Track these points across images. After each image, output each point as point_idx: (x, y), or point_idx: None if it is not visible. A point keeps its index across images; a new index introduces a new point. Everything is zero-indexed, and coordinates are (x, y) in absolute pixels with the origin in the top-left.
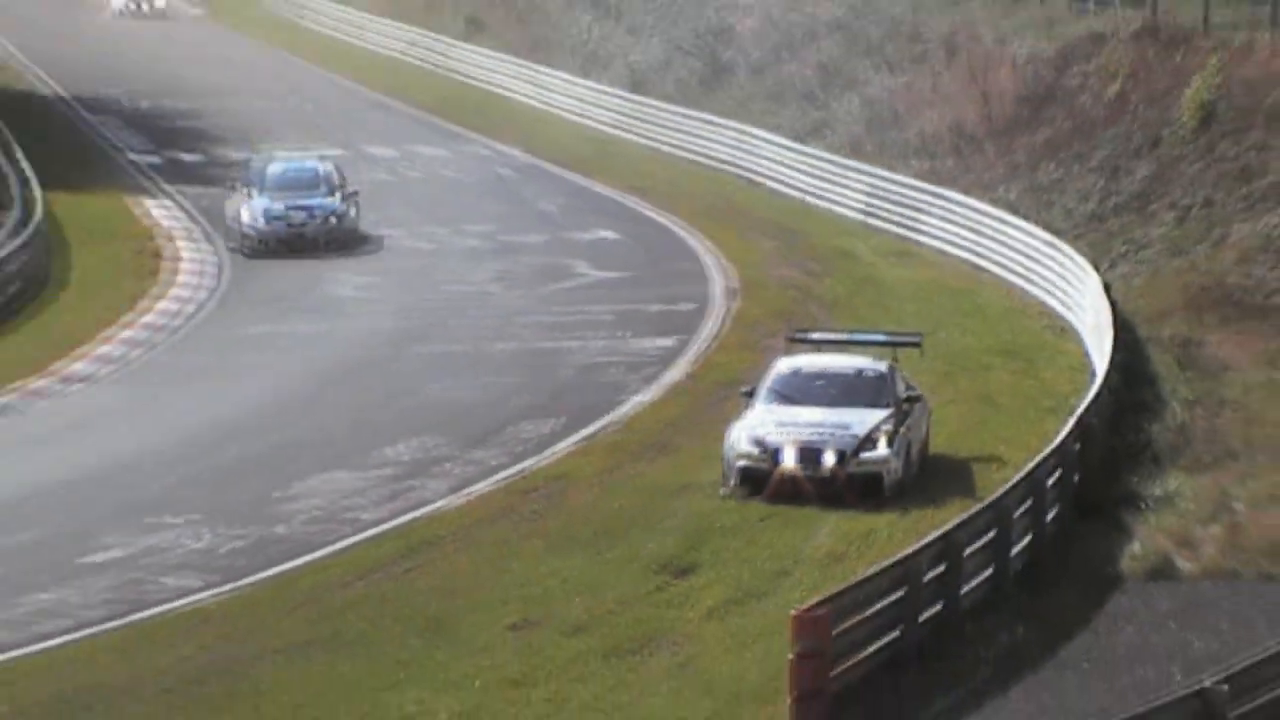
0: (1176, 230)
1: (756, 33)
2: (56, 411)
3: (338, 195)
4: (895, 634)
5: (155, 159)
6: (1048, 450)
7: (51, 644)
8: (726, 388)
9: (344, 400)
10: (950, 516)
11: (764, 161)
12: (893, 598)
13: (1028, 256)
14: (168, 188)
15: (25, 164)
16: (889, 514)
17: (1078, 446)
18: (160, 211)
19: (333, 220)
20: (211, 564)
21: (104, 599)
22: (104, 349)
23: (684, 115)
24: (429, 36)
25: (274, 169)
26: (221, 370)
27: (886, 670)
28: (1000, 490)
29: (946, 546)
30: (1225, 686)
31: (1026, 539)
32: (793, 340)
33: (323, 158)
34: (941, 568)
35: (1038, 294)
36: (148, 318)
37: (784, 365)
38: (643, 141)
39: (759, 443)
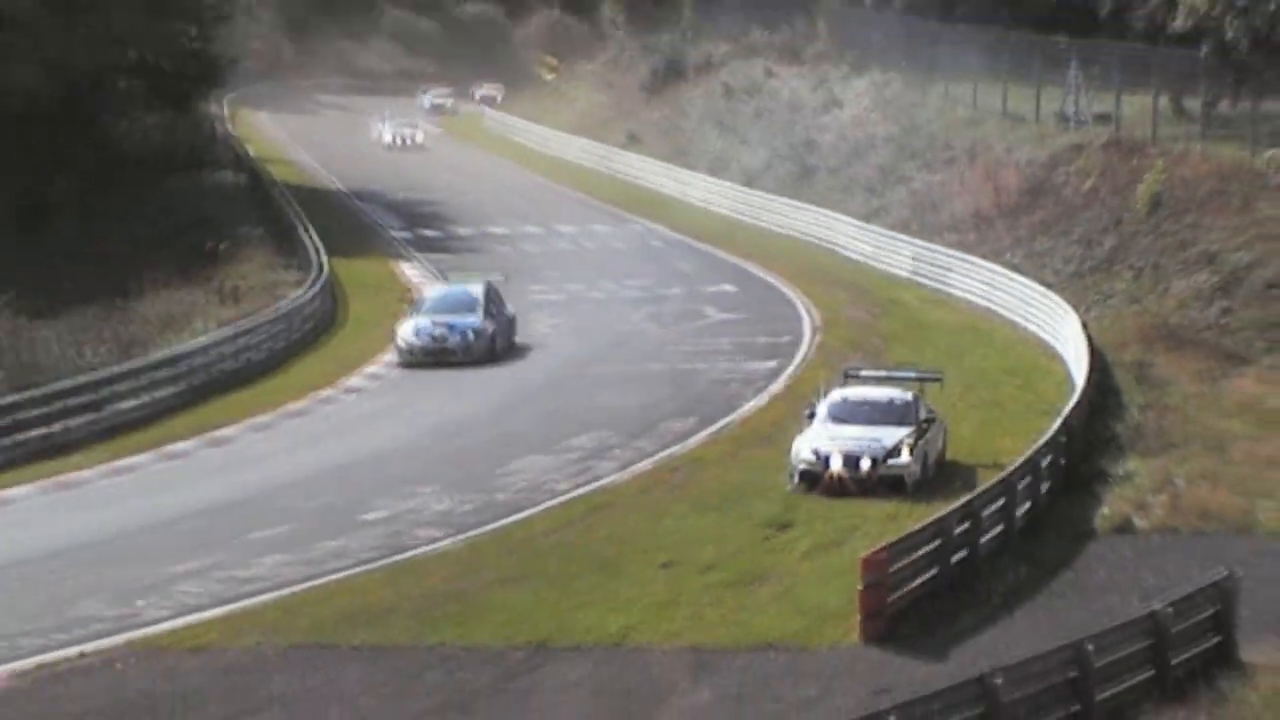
0: (1133, 285)
1: (833, 144)
2: (337, 413)
3: (483, 315)
4: (934, 572)
5: (407, 234)
6: (1041, 441)
7: (338, 576)
8: (813, 397)
9: (542, 405)
10: (969, 489)
11: (839, 235)
12: (932, 546)
13: (1027, 303)
14: (416, 255)
15: (316, 238)
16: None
17: (1063, 439)
18: (411, 271)
19: (470, 336)
20: (450, 521)
21: (375, 545)
22: (371, 369)
23: (782, 202)
24: (601, 146)
25: (434, 293)
26: (454, 384)
27: (927, 598)
28: (1007, 470)
29: (969, 510)
30: (1169, 610)
31: (1027, 504)
32: (848, 376)
33: (486, 283)
34: (966, 525)
35: (1034, 330)
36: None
37: (836, 395)
38: (753, 221)
39: (814, 451)
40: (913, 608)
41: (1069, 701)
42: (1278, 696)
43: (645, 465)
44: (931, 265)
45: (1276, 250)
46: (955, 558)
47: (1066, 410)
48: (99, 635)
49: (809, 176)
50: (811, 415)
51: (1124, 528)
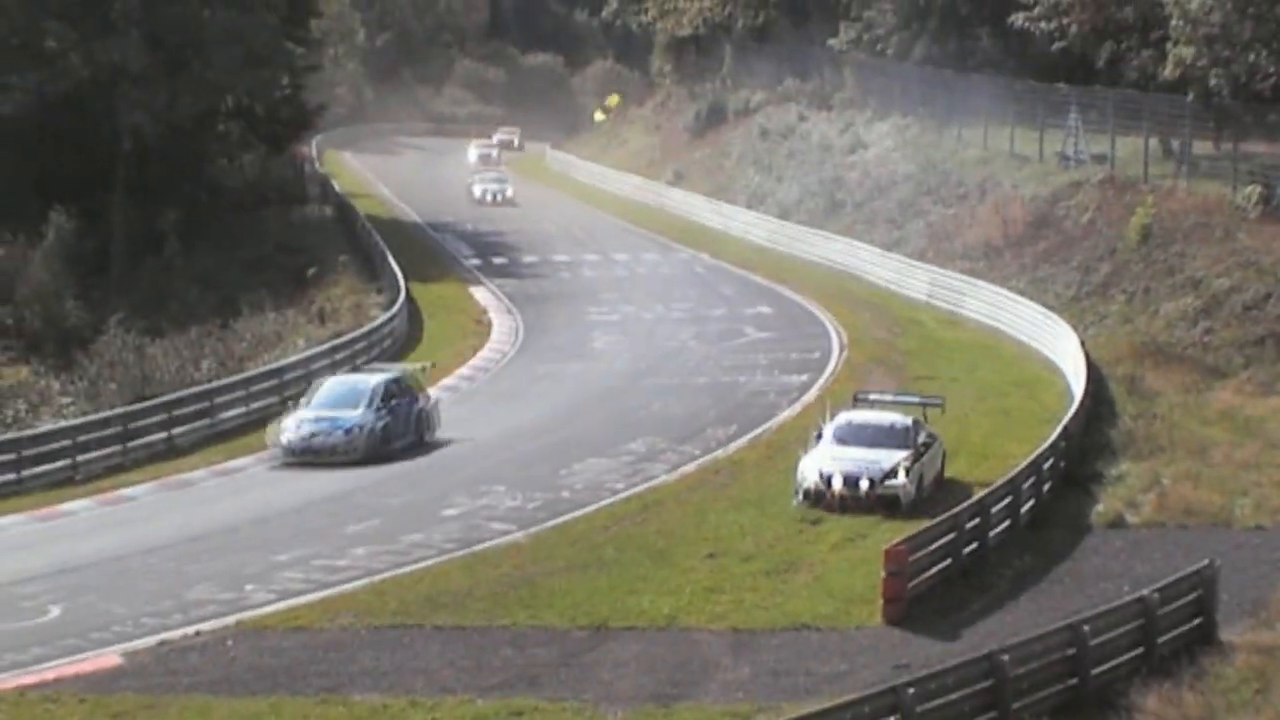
0: (1126, 307)
1: (859, 181)
2: None
3: (371, 410)
4: (948, 562)
5: (478, 261)
6: (1044, 446)
7: (421, 565)
8: (841, 407)
9: (599, 413)
10: (981, 486)
11: (864, 263)
12: (946, 539)
13: (1031, 324)
14: (485, 280)
15: (395, 264)
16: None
17: (1063, 443)
18: (482, 294)
19: (352, 432)
20: (520, 516)
21: (454, 537)
22: (448, 381)
23: (813, 233)
24: (650, 183)
25: (322, 385)
26: (521, 394)
27: (942, 584)
28: (1013, 471)
29: (979, 506)
30: (1157, 595)
31: (1031, 501)
32: (857, 400)
33: (391, 376)
34: (977, 520)
35: (1038, 348)
36: (474, 361)
37: (842, 418)
38: (786, 250)
39: (819, 471)
40: (929, 593)
41: (1067, 677)
42: (1253, 672)
43: (692, 467)
44: (946, 290)
45: (1254, 276)
46: (967, 549)
47: (1066, 418)
48: (211, 616)
49: (837, 210)
50: (819, 437)
51: (1117, 523)
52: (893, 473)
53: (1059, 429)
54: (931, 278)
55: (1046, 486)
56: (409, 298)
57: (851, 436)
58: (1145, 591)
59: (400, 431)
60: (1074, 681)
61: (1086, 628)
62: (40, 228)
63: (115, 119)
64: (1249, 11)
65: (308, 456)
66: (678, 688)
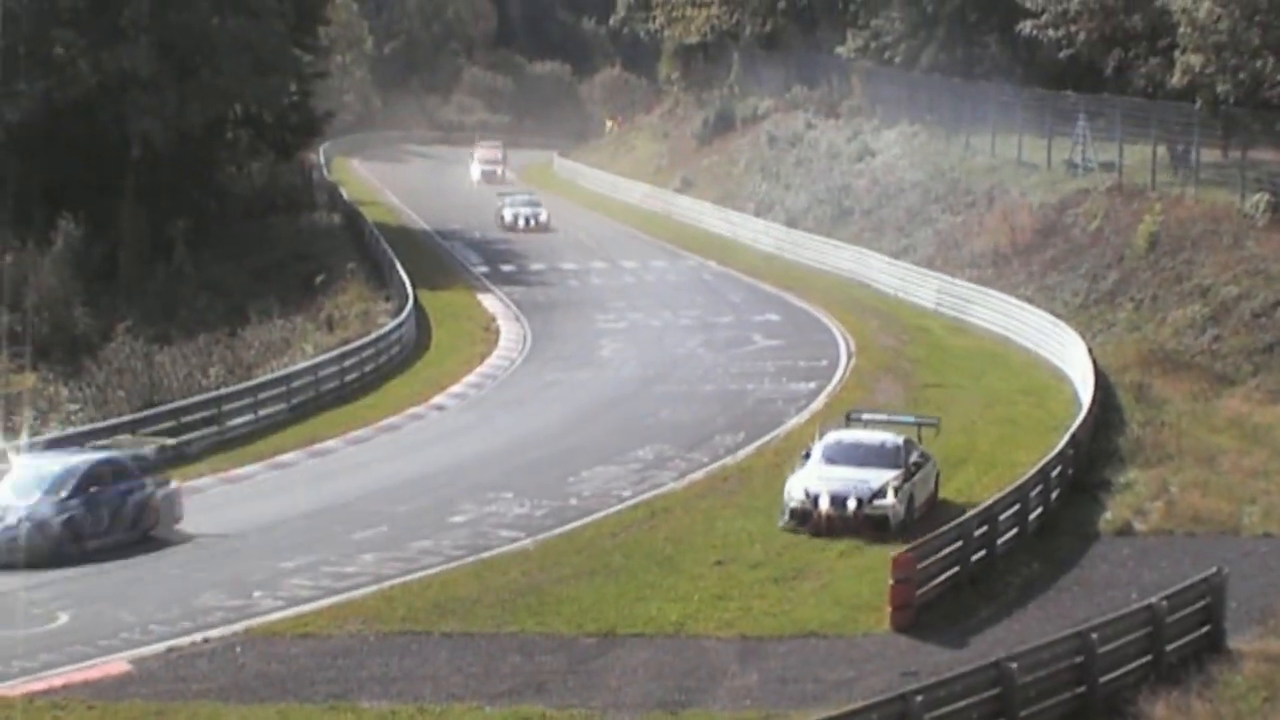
0: (1134, 314)
1: (867, 189)
2: (424, 429)
3: (57, 498)
4: (955, 569)
5: (485, 269)
6: (1052, 454)
7: (429, 572)
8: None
9: (607, 421)
10: (991, 492)
11: (871, 271)
12: (954, 546)
13: (1039, 331)
14: (493, 287)
15: (404, 272)
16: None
17: (1071, 451)
18: (490, 302)
19: (19, 527)
20: (528, 523)
21: (461, 544)
22: (455, 389)
23: (820, 241)
24: (658, 190)
25: (14, 467)
26: (529, 401)
27: (950, 592)
28: (1021, 479)
29: (988, 514)
30: (1165, 603)
31: (1039, 509)
32: (850, 419)
33: (107, 459)
34: (985, 528)
35: (1046, 355)
36: (481, 369)
37: (831, 436)
38: (794, 258)
39: (805, 491)
40: (937, 601)
41: (1075, 684)
42: (1261, 680)
43: (700, 474)
44: (954, 297)
45: (1262, 284)
46: (975, 557)
47: (1074, 426)
48: (220, 623)
49: (845, 218)
50: (807, 456)
51: (1125, 530)
52: (881, 493)
53: (1067, 436)
54: (939, 285)
55: (1054, 494)
56: (417, 305)
57: (841, 456)
58: (1153, 599)
59: (100, 527)
60: (1082, 689)
61: (1094, 635)
62: (49, 234)
63: (124, 126)
64: (1257, 19)
65: None
66: (686, 695)
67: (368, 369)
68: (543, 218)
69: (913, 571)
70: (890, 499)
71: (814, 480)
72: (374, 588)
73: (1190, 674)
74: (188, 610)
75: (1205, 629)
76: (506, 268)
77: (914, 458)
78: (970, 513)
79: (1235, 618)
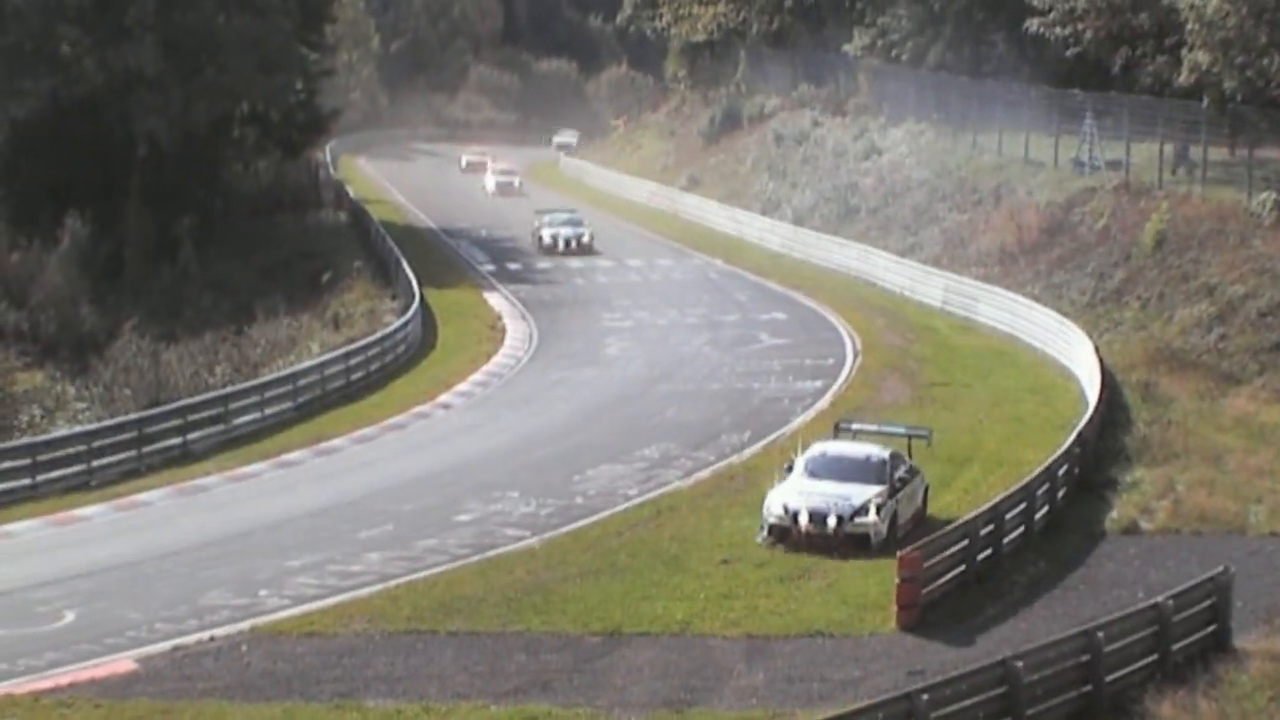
0: (1140, 313)
1: (873, 187)
2: (430, 427)
3: None
4: (962, 568)
5: (491, 267)
6: (1058, 452)
7: (434, 570)
8: (856, 412)
9: (613, 419)
10: (1000, 488)
11: (878, 269)
12: (960, 545)
13: (1046, 330)
14: (500, 285)
15: (410, 270)
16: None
17: (1078, 450)
18: (496, 300)
19: None
20: (534, 522)
21: (467, 542)
22: (461, 387)
23: (827, 239)
24: (664, 188)
25: None
26: (535, 400)
27: (956, 590)
28: (1027, 477)
29: (994, 513)
30: (1171, 602)
31: (1045, 508)
32: (839, 430)
33: None
34: (990, 527)
35: (1053, 354)
36: (487, 367)
37: (815, 449)
38: (800, 256)
39: (784, 506)
40: (943, 599)
41: (1081, 683)
42: (1267, 679)
43: (706, 473)
44: (960, 296)
45: (1269, 283)
46: (981, 555)
47: (1081, 424)
48: (225, 621)
49: (851, 216)
50: (789, 469)
51: (1131, 529)
52: (863, 509)
53: (1073, 435)
54: (946, 284)
55: (1061, 493)
56: (423, 303)
57: (823, 469)
58: (1159, 598)
59: None
60: (1088, 688)
61: (1101, 634)
62: (55, 233)
63: (130, 124)
64: (1265, 16)
65: None
66: (691, 694)
67: (374, 367)
68: (586, 238)
69: (919, 570)
70: (872, 516)
71: (793, 495)
72: (380, 586)
73: (1196, 673)
74: (194, 609)
75: (1211, 628)
76: (513, 266)
77: (900, 472)
78: (976, 511)
79: (1241, 617)
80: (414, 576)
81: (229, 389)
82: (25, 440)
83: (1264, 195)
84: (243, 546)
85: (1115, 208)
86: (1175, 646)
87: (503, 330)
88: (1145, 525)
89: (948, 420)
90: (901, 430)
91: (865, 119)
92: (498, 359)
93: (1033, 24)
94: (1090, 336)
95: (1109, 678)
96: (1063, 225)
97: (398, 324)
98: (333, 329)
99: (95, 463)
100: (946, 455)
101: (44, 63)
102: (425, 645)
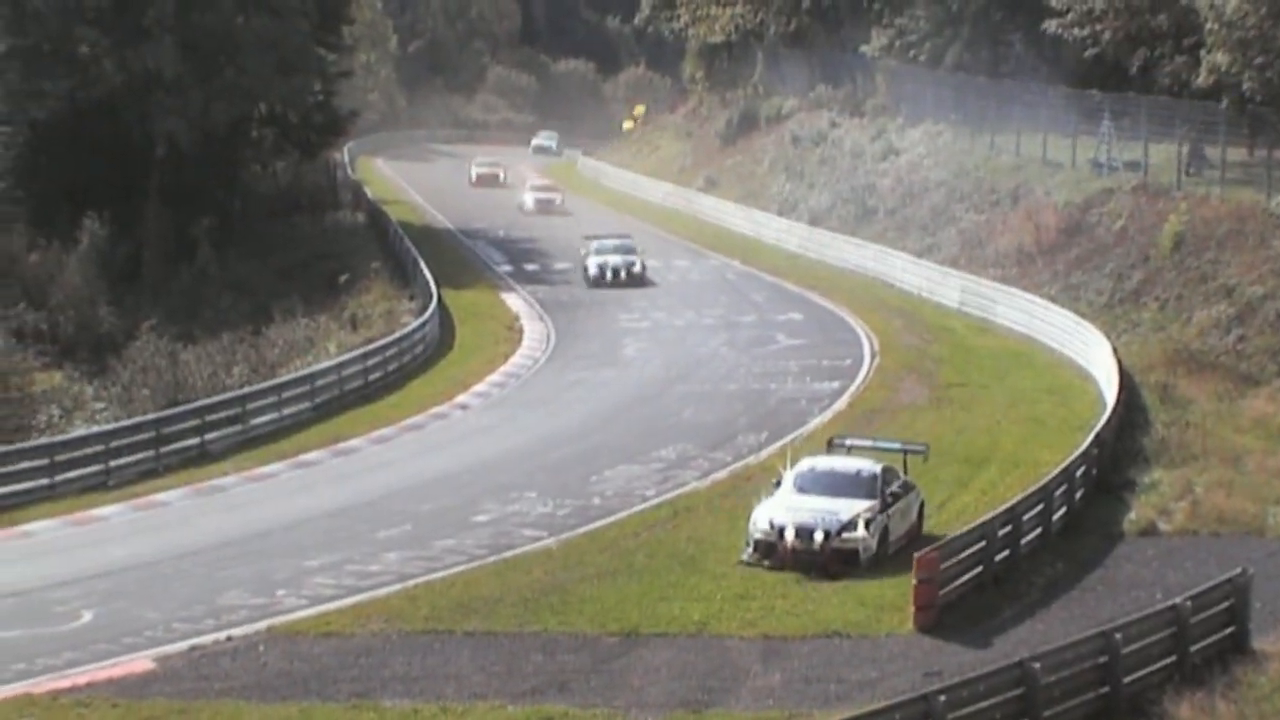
0: (1159, 315)
1: (891, 188)
2: (449, 427)
3: None
4: (979, 569)
5: (509, 268)
6: (1076, 453)
7: (452, 571)
8: (873, 413)
9: (630, 420)
10: (1017, 489)
11: (895, 270)
12: (977, 546)
13: (1064, 331)
14: (517, 286)
15: (427, 271)
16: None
17: (1095, 451)
18: (514, 301)
19: None
20: (551, 522)
21: (484, 543)
22: (479, 388)
23: (844, 240)
24: (681, 189)
25: None
26: (552, 401)
27: (974, 592)
28: (1045, 479)
29: (1011, 514)
30: (1189, 604)
31: (1063, 509)
32: (832, 445)
33: None
34: (1008, 528)
35: (1070, 355)
36: (505, 368)
37: (805, 464)
38: (818, 257)
39: (770, 522)
40: (960, 601)
41: (1099, 685)
42: None
43: (723, 474)
44: (978, 297)
45: None
46: (998, 557)
47: (1099, 425)
48: (243, 621)
49: (868, 217)
50: (778, 484)
51: (1149, 530)
52: (851, 525)
53: (1091, 436)
54: (963, 284)
55: (1079, 494)
56: (440, 304)
57: (813, 484)
58: (1177, 600)
59: None
60: (1105, 690)
61: (1118, 636)
62: (74, 234)
63: (149, 125)
64: None
65: None
66: (708, 695)
67: (391, 368)
68: (637, 268)
69: (936, 571)
70: (861, 532)
71: (780, 511)
72: (397, 586)
73: (1214, 675)
74: (211, 608)
75: (1230, 630)
76: (530, 267)
77: (893, 487)
78: (994, 512)
79: (1260, 618)
80: (431, 577)
81: (247, 389)
82: (44, 440)
83: None
84: (260, 547)
85: (1133, 208)
86: (1193, 648)
87: (520, 331)
88: (1163, 526)
89: (965, 421)
90: (897, 446)
91: (883, 120)
92: (515, 360)
93: (1051, 25)
94: (1108, 337)
95: (1127, 679)
96: (1081, 226)
97: (415, 324)
98: (350, 329)
99: (113, 463)
100: (964, 456)
101: (63, 64)
102: (442, 645)
